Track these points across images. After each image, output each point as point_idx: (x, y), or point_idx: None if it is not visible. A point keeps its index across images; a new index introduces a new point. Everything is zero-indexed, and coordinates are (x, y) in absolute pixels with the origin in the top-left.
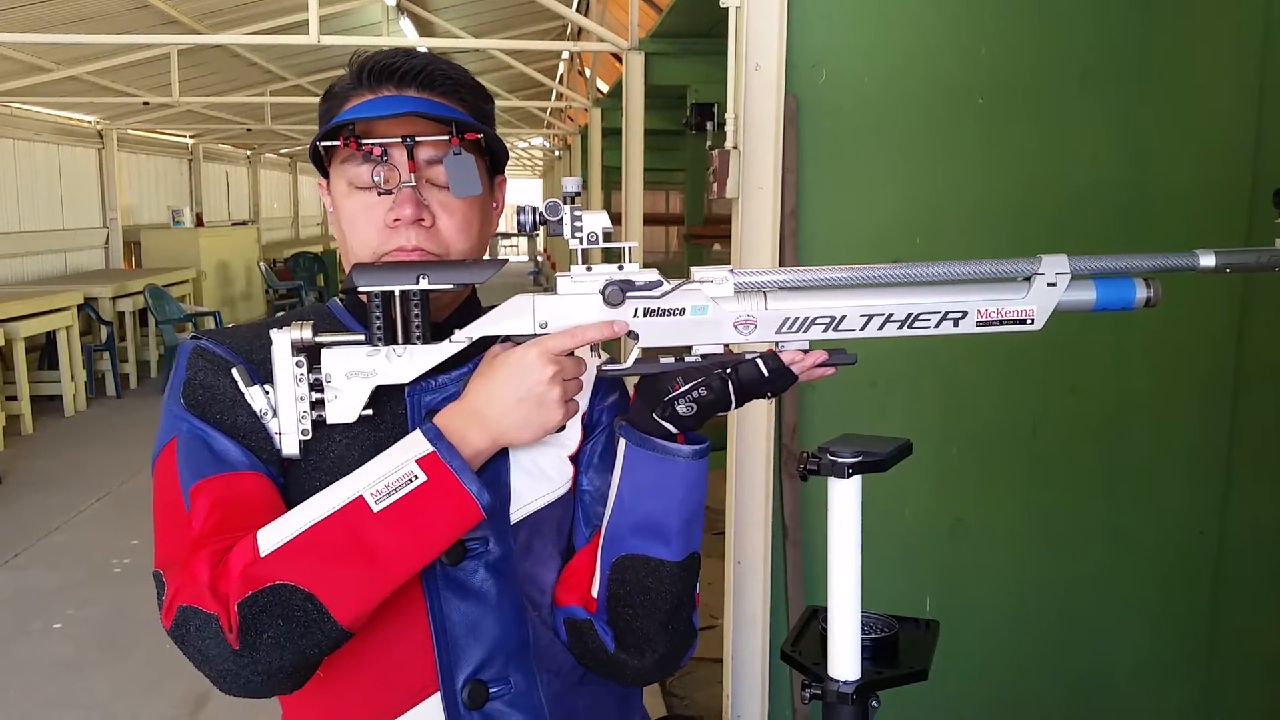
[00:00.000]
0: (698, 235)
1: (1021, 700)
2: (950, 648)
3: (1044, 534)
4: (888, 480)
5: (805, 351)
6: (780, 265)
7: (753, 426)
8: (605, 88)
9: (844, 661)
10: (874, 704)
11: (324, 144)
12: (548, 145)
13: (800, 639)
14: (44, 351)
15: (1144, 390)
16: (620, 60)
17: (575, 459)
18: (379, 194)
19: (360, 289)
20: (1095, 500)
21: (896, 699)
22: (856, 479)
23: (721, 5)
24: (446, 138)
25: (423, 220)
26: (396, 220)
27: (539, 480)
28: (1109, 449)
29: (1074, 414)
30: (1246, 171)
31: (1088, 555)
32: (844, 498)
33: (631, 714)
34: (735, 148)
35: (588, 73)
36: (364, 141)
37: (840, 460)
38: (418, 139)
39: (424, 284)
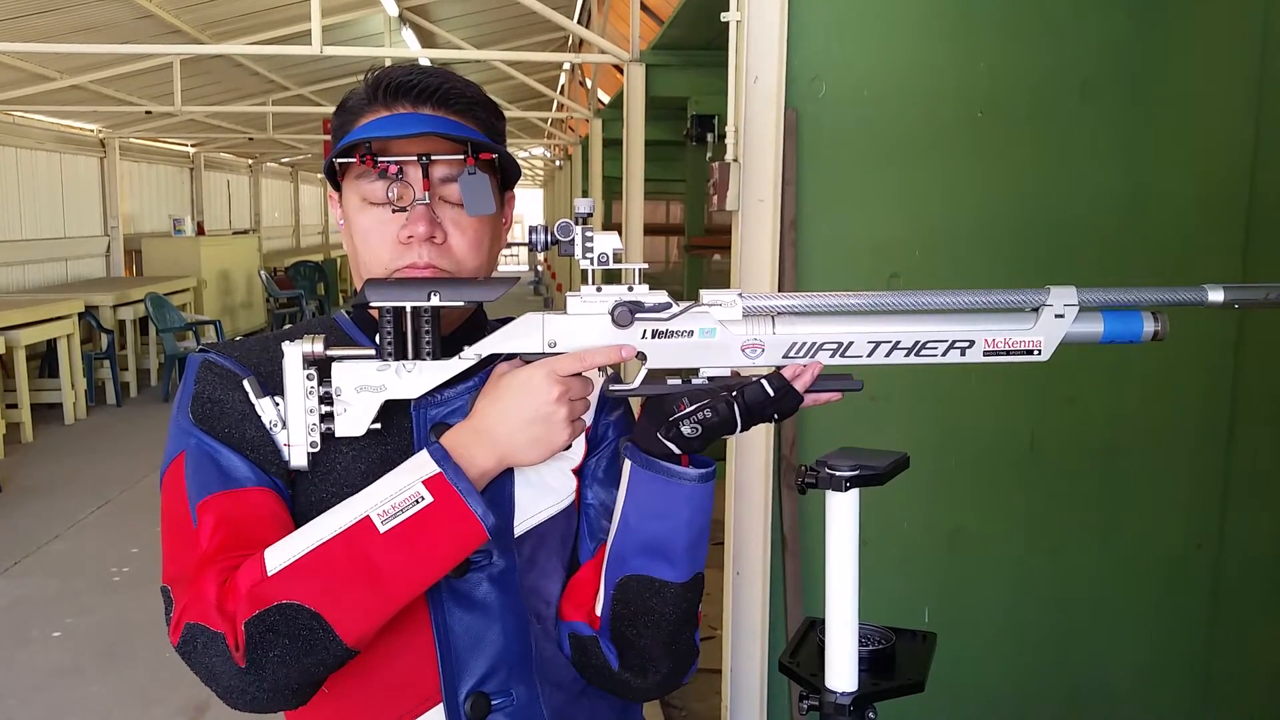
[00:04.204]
0: (698, 246)
1: (1019, 711)
2: (948, 658)
3: (1041, 545)
4: (886, 493)
5: (805, 365)
6: (780, 275)
7: (752, 439)
8: (606, 99)
9: (841, 673)
10: (871, 715)
11: (339, 160)
12: (548, 155)
13: (798, 650)
14: (44, 359)
15: (1141, 402)
16: (621, 72)
17: (579, 472)
18: (393, 210)
19: (372, 304)
20: (1092, 512)
21: (894, 710)
22: (854, 492)
23: (722, 19)
24: (462, 157)
25: (435, 238)
26: (410, 237)
27: (542, 493)
28: (1106, 461)
29: (1071, 426)
30: (1244, 184)
31: (1085, 567)
32: (842, 511)
33: None
34: (735, 160)
35: (589, 84)
36: (380, 159)
37: (838, 474)
38: (433, 158)
39: (435, 301)
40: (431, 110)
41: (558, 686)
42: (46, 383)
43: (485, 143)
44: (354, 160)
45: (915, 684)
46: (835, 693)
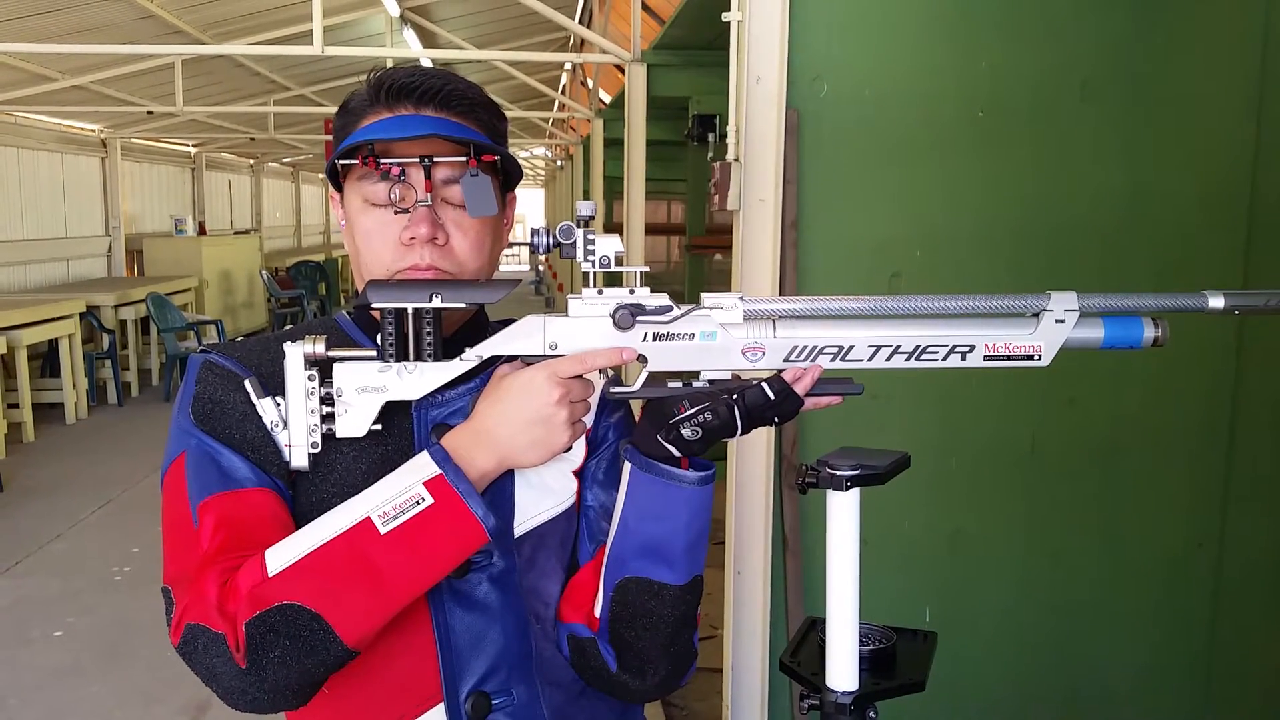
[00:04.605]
0: (699, 245)
1: (1019, 712)
2: (948, 659)
3: (1042, 546)
4: (887, 493)
5: (805, 368)
6: (780, 275)
7: (753, 439)
8: (607, 98)
9: (842, 672)
10: (871, 715)
11: (341, 162)
12: (550, 155)
13: (799, 650)
14: (46, 359)
15: (1142, 405)
16: (622, 71)
17: (579, 474)
18: (395, 212)
19: (373, 305)
20: (1093, 512)
21: (894, 710)
22: (855, 492)
23: (723, 19)
24: (464, 159)
25: (437, 239)
26: (411, 238)
27: (542, 494)
28: (1107, 461)
29: (1072, 426)
30: (1245, 184)
31: (1086, 567)
32: (842, 510)
33: None
34: (736, 160)
35: (590, 83)
36: (382, 161)
37: (838, 473)
38: (435, 159)
39: (437, 303)
40: (434, 112)
41: (558, 686)
42: (48, 382)
43: (487, 144)
44: (356, 162)
45: (916, 683)
46: (836, 692)
